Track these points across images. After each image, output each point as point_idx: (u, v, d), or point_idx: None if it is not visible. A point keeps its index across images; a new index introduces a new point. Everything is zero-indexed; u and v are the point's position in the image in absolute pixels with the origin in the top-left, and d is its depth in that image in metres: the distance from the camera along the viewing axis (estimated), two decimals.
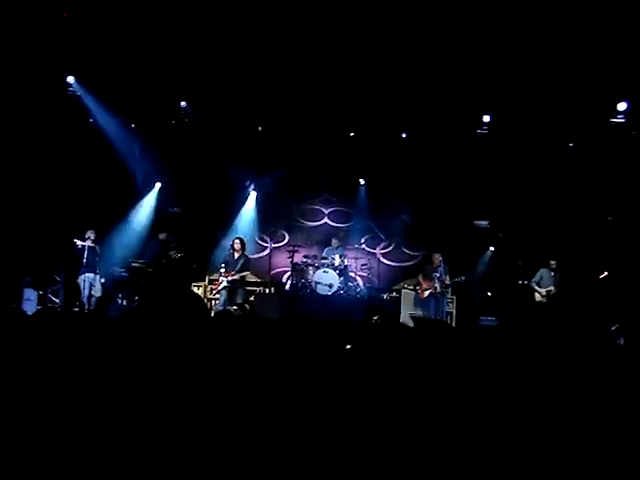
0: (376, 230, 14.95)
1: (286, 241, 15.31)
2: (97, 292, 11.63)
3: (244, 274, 12.33)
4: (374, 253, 15.25)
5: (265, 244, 15.51)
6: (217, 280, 12.57)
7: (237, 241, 12.42)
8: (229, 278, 12.04)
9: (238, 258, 12.30)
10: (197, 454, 2.33)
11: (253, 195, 15.18)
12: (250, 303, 13.07)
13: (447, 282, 12.57)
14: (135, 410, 2.46)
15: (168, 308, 2.98)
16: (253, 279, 14.80)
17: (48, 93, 12.31)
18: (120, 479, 2.25)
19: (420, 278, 12.94)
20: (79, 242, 11.42)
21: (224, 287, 12.07)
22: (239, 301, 12.08)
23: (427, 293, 12.57)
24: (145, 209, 14.33)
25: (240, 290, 12.32)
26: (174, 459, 2.31)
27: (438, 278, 12.39)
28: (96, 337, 3.04)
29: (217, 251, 13.94)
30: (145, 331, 2.96)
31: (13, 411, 2.44)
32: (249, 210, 15.18)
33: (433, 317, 12.09)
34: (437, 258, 12.62)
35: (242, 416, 2.51)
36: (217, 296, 12.55)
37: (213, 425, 2.45)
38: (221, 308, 11.75)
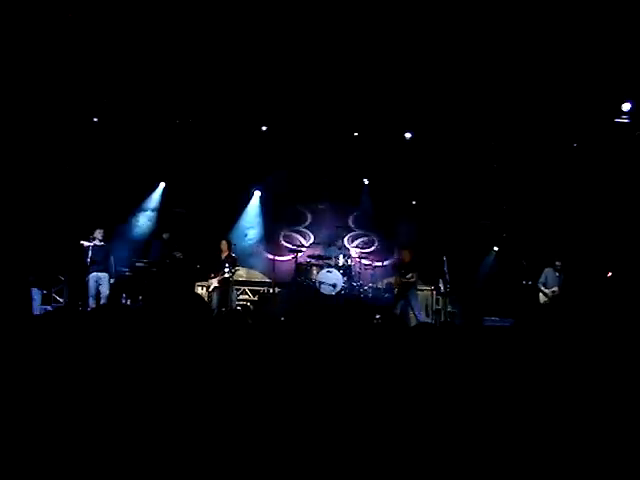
0: (379, 229, 15.00)
1: (290, 241, 15.35)
2: (105, 291, 11.63)
3: (228, 275, 12.18)
4: (378, 253, 15.27)
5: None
6: (206, 283, 12.56)
7: (223, 242, 12.42)
8: (218, 278, 12.05)
9: (225, 259, 12.24)
10: (200, 448, 2.34)
11: (257, 195, 15.28)
12: (253, 302, 13.04)
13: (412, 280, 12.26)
14: (139, 407, 2.47)
15: (171, 308, 2.99)
16: (257, 279, 14.83)
17: (53, 91, 12.35)
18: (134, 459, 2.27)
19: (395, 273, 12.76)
20: (85, 243, 11.44)
21: (214, 288, 12.07)
22: (232, 301, 12.09)
23: (396, 290, 12.38)
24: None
25: (231, 290, 12.33)
26: (177, 453, 2.32)
27: (404, 274, 12.16)
28: (100, 335, 3.05)
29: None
30: (149, 330, 2.97)
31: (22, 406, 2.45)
32: (254, 208, 15.29)
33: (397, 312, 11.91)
34: (407, 255, 12.46)
35: (245, 413, 2.52)
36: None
37: (215, 421, 2.46)
38: (214, 309, 11.74)
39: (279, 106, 13.32)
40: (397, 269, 12.53)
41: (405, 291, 12.11)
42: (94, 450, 2.31)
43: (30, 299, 11.33)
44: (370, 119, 13.59)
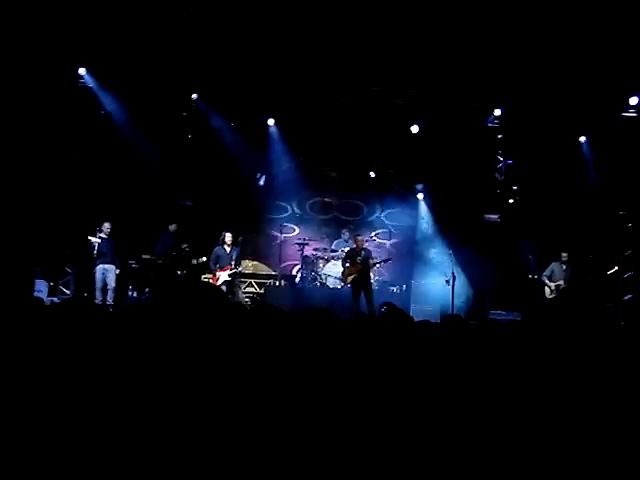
0: (387, 223, 14.98)
1: (296, 233, 15.31)
2: (112, 283, 11.69)
3: (241, 268, 12.40)
4: (384, 246, 15.22)
5: (276, 235, 15.51)
6: (213, 275, 12.32)
7: (228, 234, 12.33)
8: (228, 272, 12.03)
9: (231, 251, 12.25)
10: (207, 444, 2.35)
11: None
12: (260, 295, 13.08)
13: (372, 263, 12.18)
14: (146, 403, 2.47)
15: (184, 299, 2.98)
16: (264, 272, 14.83)
17: (59, 85, 12.38)
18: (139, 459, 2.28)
19: (346, 264, 12.29)
20: (93, 239, 11.49)
21: (224, 281, 12.00)
22: (240, 295, 12.10)
23: (351, 278, 12.01)
24: None
25: (239, 284, 12.37)
26: (184, 451, 2.33)
27: (361, 262, 11.96)
28: (109, 328, 3.07)
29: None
30: (158, 323, 2.97)
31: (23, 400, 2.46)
32: None
33: (359, 304, 11.64)
34: (361, 240, 12.30)
35: (251, 408, 2.53)
36: None
37: (223, 416, 2.47)
38: None
39: (286, 98, 13.35)
40: (351, 257, 12.16)
41: (365, 277, 11.90)
42: (99, 444, 2.32)
43: (32, 288, 11.43)
44: (377, 110, 13.59)
